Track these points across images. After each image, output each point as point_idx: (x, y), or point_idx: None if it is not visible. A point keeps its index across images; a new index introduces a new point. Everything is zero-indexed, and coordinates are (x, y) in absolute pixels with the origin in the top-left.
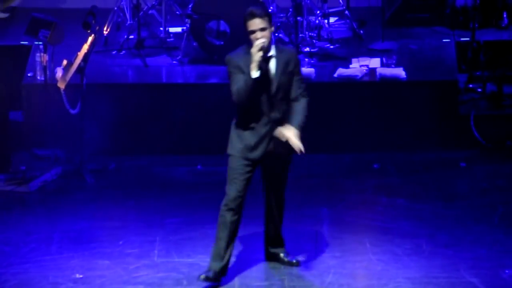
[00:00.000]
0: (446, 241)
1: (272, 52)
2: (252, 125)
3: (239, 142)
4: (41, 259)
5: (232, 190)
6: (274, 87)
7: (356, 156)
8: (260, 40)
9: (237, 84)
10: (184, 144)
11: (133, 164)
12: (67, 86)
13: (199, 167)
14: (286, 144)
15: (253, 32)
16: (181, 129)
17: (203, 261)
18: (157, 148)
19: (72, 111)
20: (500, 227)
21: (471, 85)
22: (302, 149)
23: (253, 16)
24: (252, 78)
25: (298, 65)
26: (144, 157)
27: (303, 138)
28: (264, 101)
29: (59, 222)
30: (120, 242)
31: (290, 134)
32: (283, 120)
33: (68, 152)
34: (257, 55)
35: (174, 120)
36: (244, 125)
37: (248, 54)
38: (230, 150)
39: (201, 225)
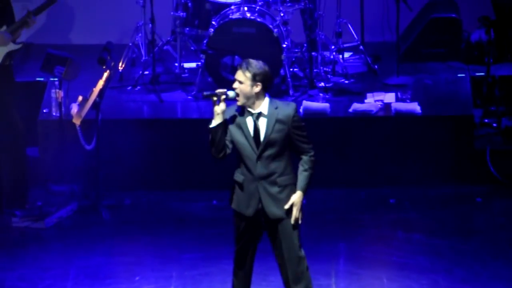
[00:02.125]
0: (463, 277)
1: (263, 108)
2: (242, 180)
3: (236, 196)
4: None
5: (236, 250)
6: (261, 145)
7: (372, 191)
8: (221, 90)
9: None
10: (200, 179)
11: (148, 200)
12: (82, 122)
13: (214, 202)
14: (281, 205)
15: (234, 81)
16: (196, 164)
17: None
18: (172, 183)
19: (88, 147)
20: None
21: (486, 120)
22: (299, 220)
23: (239, 67)
24: (209, 127)
25: (298, 121)
26: (159, 192)
27: (318, 173)
28: (251, 158)
29: (75, 258)
30: (137, 278)
31: (294, 201)
32: (274, 177)
33: (84, 187)
34: (215, 106)
35: (189, 155)
36: (237, 179)
37: (234, 109)
38: (232, 203)
39: (217, 261)
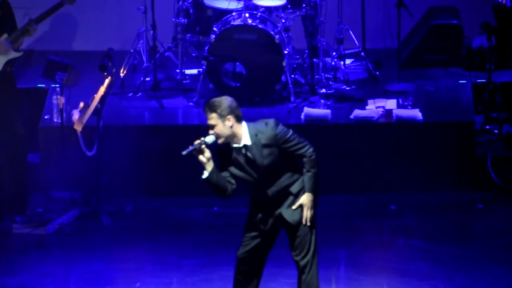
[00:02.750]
0: (464, 283)
1: (246, 140)
2: (257, 204)
3: (250, 216)
4: None
5: (240, 249)
6: (260, 172)
7: (373, 197)
8: (201, 139)
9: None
10: (201, 185)
11: (149, 206)
12: (83, 128)
13: (215, 208)
14: (299, 211)
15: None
16: (197, 171)
17: None
18: (173, 190)
19: (89, 153)
20: None
21: (487, 127)
22: (308, 221)
23: (205, 111)
24: (203, 179)
25: (283, 134)
26: (160, 199)
27: (319, 179)
28: (257, 185)
29: (76, 264)
30: (137, 285)
31: (302, 202)
32: (286, 190)
33: (85, 194)
34: (199, 158)
35: (190, 161)
36: (251, 203)
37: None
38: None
39: (217, 267)
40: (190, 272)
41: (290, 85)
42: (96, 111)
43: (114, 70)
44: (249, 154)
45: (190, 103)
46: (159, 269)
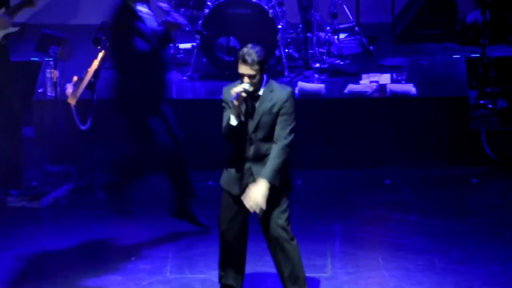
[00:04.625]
0: (459, 257)
1: (261, 91)
2: (233, 160)
3: (227, 174)
4: (53, 275)
5: (221, 220)
6: (253, 126)
7: (367, 172)
8: (241, 85)
9: (224, 121)
10: (195, 159)
11: (146, 180)
12: (77, 102)
13: (210, 183)
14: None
15: (242, 75)
16: (191, 145)
17: (215, 276)
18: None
19: (83, 127)
20: None
21: (481, 101)
22: (262, 207)
23: (244, 61)
24: (231, 124)
25: (289, 106)
26: (155, 173)
27: (310, 154)
28: (243, 139)
29: (71, 237)
30: (133, 258)
31: (253, 193)
32: (265, 159)
33: (80, 168)
34: (235, 102)
35: (184, 136)
36: (228, 159)
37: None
38: (221, 180)
39: (213, 241)
40: (186, 245)
41: (284, 60)
42: (90, 85)
43: (108, 44)
44: (256, 103)
45: (184, 77)
46: (155, 242)
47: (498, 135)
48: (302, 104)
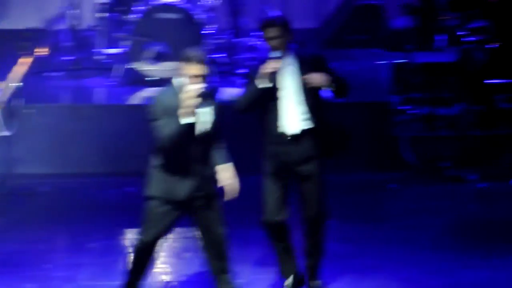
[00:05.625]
0: (375, 262)
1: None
2: (174, 164)
3: (163, 181)
4: None
5: (149, 231)
6: (201, 128)
7: None
8: (198, 85)
9: (163, 129)
10: (117, 165)
11: (63, 187)
12: (3, 107)
13: (127, 189)
14: (211, 184)
15: (195, 76)
16: (115, 150)
17: None
18: (88, 170)
19: (8, 133)
20: (429, 248)
21: (404, 107)
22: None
23: (200, 62)
24: (180, 124)
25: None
26: (75, 179)
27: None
28: (189, 141)
29: None
30: (47, 266)
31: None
32: (207, 158)
33: (0, 174)
34: (191, 101)
35: (108, 141)
36: (166, 164)
37: (176, 95)
38: (153, 189)
39: (127, 248)
40: (100, 253)
41: (212, 65)
42: (16, 90)
43: (35, 49)
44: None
45: (111, 83)
46: (70, 250)
47: (420, 140)
48: (228, 110)
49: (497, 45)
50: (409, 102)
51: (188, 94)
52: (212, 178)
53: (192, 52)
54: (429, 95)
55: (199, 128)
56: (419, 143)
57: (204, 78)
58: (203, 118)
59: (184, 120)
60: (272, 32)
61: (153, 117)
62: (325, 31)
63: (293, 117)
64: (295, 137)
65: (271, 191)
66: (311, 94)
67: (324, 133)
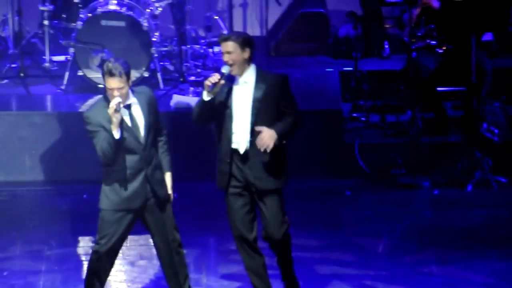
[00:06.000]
0: (331, 270)
1: (132, 99)
2: (125, 174)
3: (116, 192)
4: None
5: (104, 240)
6: (142, 133)
7: None
8: (115, 99)
9: (101, 144)
10: (70, 172)
11: (19, 194)
12: None
13: (85, 196)
14: (164, 187)
15: (111, 89)
16: (66, 158)
17: None
18: (43, 176)
19: None
20: (385, 254)
21: (355, 114)
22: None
23: (112, 75)
24: (116, 139)
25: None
26: (30, 186)
27: (185, 167)
28: (135, 149)
29: None
30: (5, 273)
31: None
32: (154, 163)
33: None
34: (114, 116)
35: (60, 148)
36: (116, 175)
37: (107, 108)
38: (107, 201)
39: (86, 256)
40: (59, 260)
41: (159, 72)
42: None
43: None
44: (134, 112)
45: (58, 90)
46: (28, 257)
47: (371, 147)
48: (177, 117)
49: (442, 50)
50: (359, 109)
51: (110, 109)
52: (162, 182)
53: (110, 64)
54: (378, 102)
55: (134, 136)
56: (371, 150)
57: (122, 89)
58: (134, 125)
59: (116, 135)
60: (225, 46)
61: (89, 133)
62: (271, 39)
63: (242, 135)
64: (245, 154)
65: (234, 209)
66: (263, 115)
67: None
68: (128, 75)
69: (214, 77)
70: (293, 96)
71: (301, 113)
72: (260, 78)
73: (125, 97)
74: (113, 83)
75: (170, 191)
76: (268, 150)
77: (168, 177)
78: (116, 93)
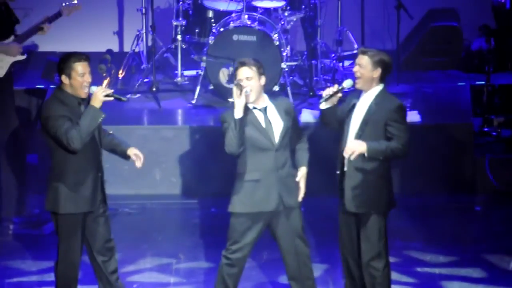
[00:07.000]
0: (460, 287)
1: (268, 102)
2: (259, 176)
3: (247, 196)
4: None
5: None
6: (280, 136)
7: None
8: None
9: (227, 134)
10: (199, 186)
11: (149, 207)
12: None
13: (213, 210)
14: (293, 194)
15: (241, 80)
16: (195, 171)
17: None
18: (172, 190)
19: None
20: None
21: (486, 129)
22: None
23: (242, 64)
24: (236, 118)
25: (294, 112)
26: (160, 199)
27: (313, 181)
28: (267, 151)
29: None
30: (135, 286)
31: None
32: (287, 166)
33: None
34: (239, 97)
35: (189, 162)
36: (251, 178)
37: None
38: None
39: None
40: (187, 273)
41: (289, 87)
42: None
43: (113, 71)
44: (269, 116)
45: (188, 104)
46: (157, 270)
47: (502, 162)
48: (306, 131)
49: None
50: (490, 124)
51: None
52: (294, 189)
53: (238, 60)
54: (509, 116)
55: (267, 137)
56: (502, 165)
57: (250, 80)
58: (268, 127)
59: (237, 113)
60: (360, 59)
61: (223, 131)
62: (402, 52)
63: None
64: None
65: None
66: (368, 138)
67: None
68: (259, 70)
69: (332, 88)
70: (406, 127)
71: (408, 145)
72: (378, 100)
73: (257, 93)
74: (243, 72)
75: (300, 198)
76: (352, 158)
77: (302, 172)
78: (245, 82)
